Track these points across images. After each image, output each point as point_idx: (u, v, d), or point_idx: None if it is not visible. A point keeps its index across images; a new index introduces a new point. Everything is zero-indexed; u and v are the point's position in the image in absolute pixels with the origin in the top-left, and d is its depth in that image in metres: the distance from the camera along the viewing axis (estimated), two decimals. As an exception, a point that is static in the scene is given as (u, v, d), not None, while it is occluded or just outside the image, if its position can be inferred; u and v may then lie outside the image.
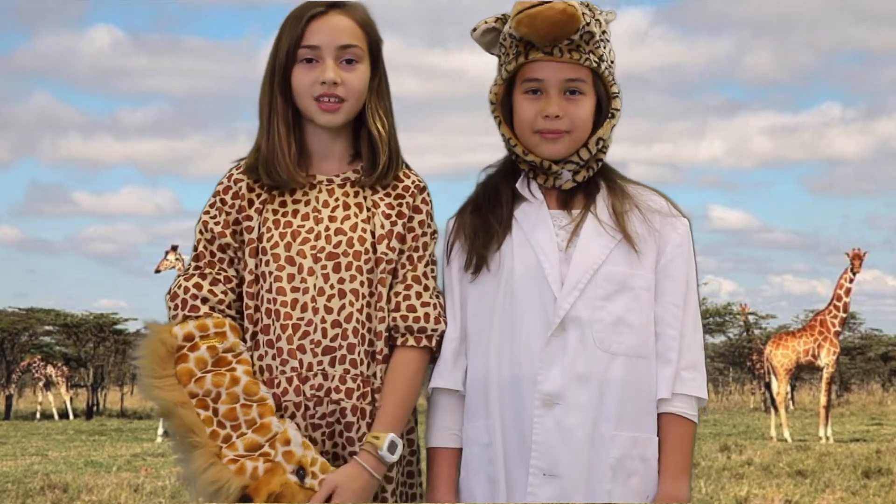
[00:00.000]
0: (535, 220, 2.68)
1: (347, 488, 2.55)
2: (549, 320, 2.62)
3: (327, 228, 2.66)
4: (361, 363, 2.64)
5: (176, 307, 2.66)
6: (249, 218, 2.68)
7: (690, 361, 2.66)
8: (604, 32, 2.67)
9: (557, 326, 2.60)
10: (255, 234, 2.67)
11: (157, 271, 23.33)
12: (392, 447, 2.60)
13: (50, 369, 27.15)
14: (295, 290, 2.63)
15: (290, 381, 2.62)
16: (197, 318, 2.62)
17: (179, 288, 2.67)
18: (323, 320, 2.62)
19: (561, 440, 2.59)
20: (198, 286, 2.66)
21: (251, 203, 2.69)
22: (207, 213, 2.72)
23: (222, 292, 2.67)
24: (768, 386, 19.88)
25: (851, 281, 18.54)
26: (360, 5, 2.71)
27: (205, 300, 2.65)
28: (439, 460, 2.72)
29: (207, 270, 2.69)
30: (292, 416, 2.60)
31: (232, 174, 2.73)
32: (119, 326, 29.11)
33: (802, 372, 21.94)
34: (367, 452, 2.59)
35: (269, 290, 2.64)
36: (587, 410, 2.60)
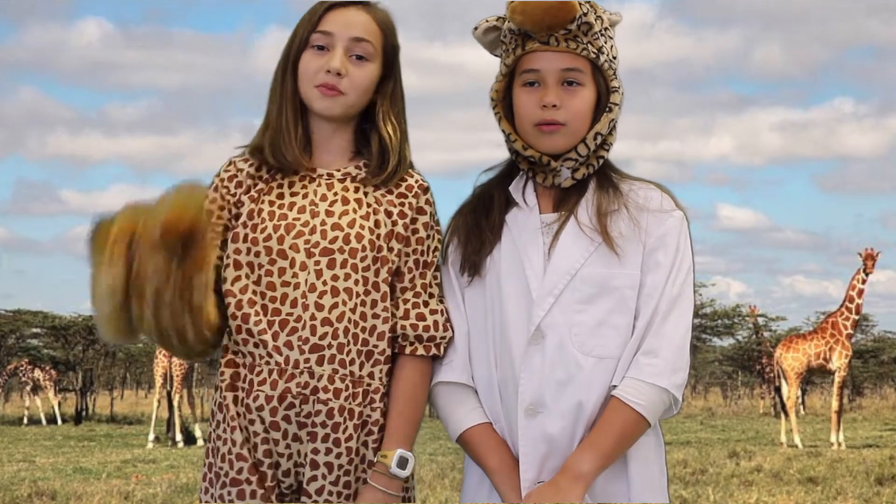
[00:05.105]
0: (524, 226, 2.69)
1: None
2: (529, 328, 2.62)
3: (323, 223, 2.64)
4: (353, 363, 2.62)
5: None
6: (241, 204, 2.69)
7: (651, 347, 2.58)
8: (606, 29, 2.68)
9: (534, 334, 2.61)
10: (241, 221, 2.67)
11: (149, 272, 22.71)
12: (402, 463, 2.61)
13: (37, 373, 27.19)
14: (285, 284, 2.61)
15: (270, 373, 2.60)
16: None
17: None
18: (312, 317, 2.60)
19: (547, 448, 2.60)
20: None
21: (247, 189, 2.70)
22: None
23: None
24: (778, 390, 19.89)
25: (864, 282, 18.49)
26: (383, 9, 2.73)
27: None
28: (481, 436, 2.66)
29: None
30: (261, 409, 2.59)
31: (233, 161, 2.75)
32: (109, 329, 28.88)
33: (813, 376, 22.11)
34: (377, 472, 2.62)
35: (258, 283, 2.62)
36: (570, 416, 2.60)
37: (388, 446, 2.62)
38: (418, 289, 2.69)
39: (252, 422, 2.60)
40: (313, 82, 2.65)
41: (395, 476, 2.60)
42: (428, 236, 2.72)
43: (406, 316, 2.66)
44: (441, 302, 2.71)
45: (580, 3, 2.62)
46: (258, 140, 2.71)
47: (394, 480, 2.60)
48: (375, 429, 2.64)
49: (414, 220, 2.71)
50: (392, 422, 2.64)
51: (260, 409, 2.59)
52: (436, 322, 2.67)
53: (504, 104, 2.72)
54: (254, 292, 2.62)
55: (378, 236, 2.65)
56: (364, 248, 2.64)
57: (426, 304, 2.68)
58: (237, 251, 2.65)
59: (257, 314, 2.61)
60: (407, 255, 2.69)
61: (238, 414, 2.61)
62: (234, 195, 2.70)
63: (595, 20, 2.64)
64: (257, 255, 2.63)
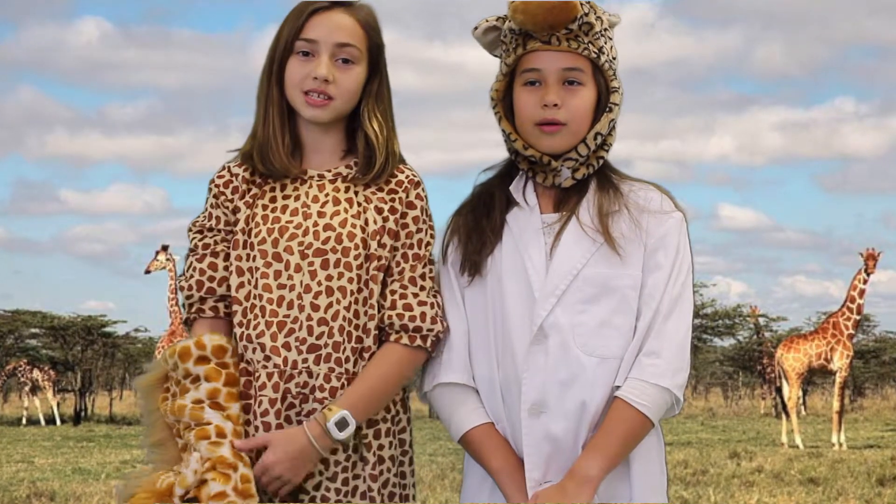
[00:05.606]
0: (525, 226, 2.70)
1: (280, 446, 2.55)
2: (532, 328, 2.63)
3: (315, 224, 2.66)
4: (347, 361, 2.64)
5: (190, 289, 2.70)
6: (237, 210, 2.71)
7: (654, 348, 2.60)
8: (605, 30, 2.70)
9: (537, 334, 2.62)
10: (239, 227, 2.70)
11: (147, 272, 22.87)
12: (342, 424, 2.57)
13: (36, 373, 27.11)
14: (281, 286, 2.64)
15: (270, 376, 2.62)
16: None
17: (194, 270, 2.70)
18: (309, 318, 2.62)
19: (551, 448, 2.61)
20: (213, 266, 2.69)
21: (242, 195, 2.72)
22: (215, 193, 2.74)
23: (224, 268, 2.70)
24: (779, 391, 19.83)
25: (865, 282, 18.46)
26: (366, 7, 2.73)
27: (210, 291, 2.69)
28: (483, 436, 2.66)
29: (219, 247, 2.70)
30: (265, 413, 2.61)
31: (227, 166, 2.76)
32: (107, 329, 29.14)
33: (815, 376, 22.07)
34: (315, 421, 2.58)
35: (255, 286, 2.65)
36: (574, 416, 2.61)
37: (336, 404, 2.59)
38: (406, 281, 2.68)
39: (257, 429, 2.60)
40: (300, 88, 2.66)
41: (329, 433, 2.56)
42: (418, 230, 2.72)
43: (393, 306, 2.66)
44: (433, 296, 2.70)
45: (581, 4, 2.64)
46: (248, 147, 2.74)
47: (325, 437, 2.56)
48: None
49: (404, 215, 2.71)
50: (351, 387, 2.62)
51: (264, 413, 2.61)
52: (423, 313, 2.66)
53: (504, 104, 2.73)
54: (254, 296, 2.65)
55: (369, 234, 2.66)
56: (357, 247, 2.65)
57: (415, 295, 2.67)
58: (238, 258, 2.68)
59: (256, 318, 2.63)
60: (396, 248, 2.69)
61: (245, 422, 2.61)
62: (231, 201, 2.71)
63: (595, 20, 2.66)
64: (254, 259, 2.66)
